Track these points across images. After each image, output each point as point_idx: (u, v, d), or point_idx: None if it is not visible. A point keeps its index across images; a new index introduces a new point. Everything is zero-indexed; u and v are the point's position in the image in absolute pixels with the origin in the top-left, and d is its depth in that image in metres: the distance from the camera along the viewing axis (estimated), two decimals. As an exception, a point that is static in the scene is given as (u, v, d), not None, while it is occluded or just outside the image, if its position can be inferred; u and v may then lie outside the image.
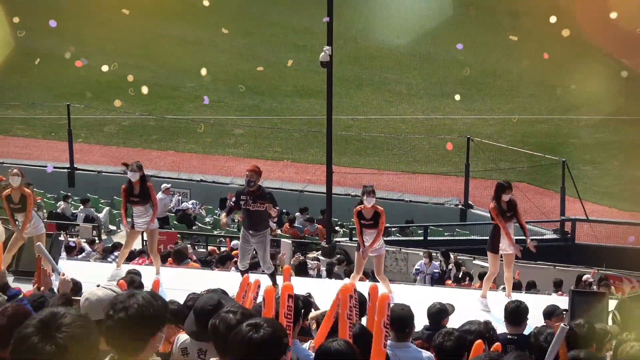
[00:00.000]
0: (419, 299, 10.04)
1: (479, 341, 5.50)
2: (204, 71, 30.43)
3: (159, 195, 25.18)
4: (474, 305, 12.19)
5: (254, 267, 16.18)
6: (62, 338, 3.03)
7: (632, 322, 8.71)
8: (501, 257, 12.25)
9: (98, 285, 4.48)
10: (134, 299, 3.77)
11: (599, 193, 30.05)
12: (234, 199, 12.48)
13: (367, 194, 12.03)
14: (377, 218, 12.15)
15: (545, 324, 8.74)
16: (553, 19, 18.77)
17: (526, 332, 7.63)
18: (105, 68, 22.68)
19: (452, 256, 19.93)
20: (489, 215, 12.54)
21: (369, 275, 17.61)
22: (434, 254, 19.70)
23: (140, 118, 36.92)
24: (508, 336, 7.76)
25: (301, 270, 17.47)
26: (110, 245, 20.38)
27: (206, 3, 24.31)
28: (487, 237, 12.42)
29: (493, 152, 30.66)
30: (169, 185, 26.23)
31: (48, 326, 3.06)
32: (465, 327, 6.82)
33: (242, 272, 12.67)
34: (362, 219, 12.17)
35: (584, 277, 17.14)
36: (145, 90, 25.48)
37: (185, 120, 36.60)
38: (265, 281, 10.76)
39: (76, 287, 8.02)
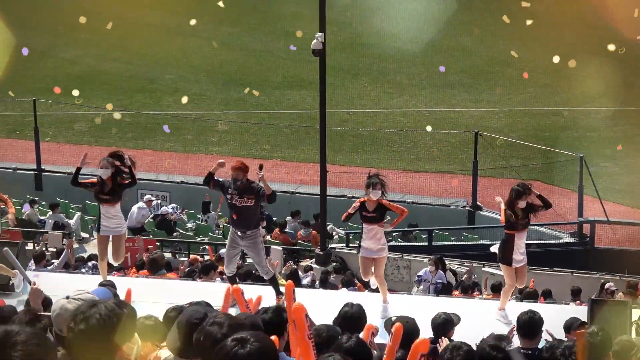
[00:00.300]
0: (421, 310, 10.05)
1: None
2: (184, 99, 30.60)
3: (140, 204, 25.19)
4: (482, 316, 12.16)
5: (249, 275, 16.17)
6: (18, 357, 3.11)
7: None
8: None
9: (67, 297, 4.48)
10: (95, 308, 3.82)
11: (620, 192, 30.06)
12: (221, 179, 12.21)
13: (372, 187, 11.87)
14: (382, 211, 12.01)
15: (565, 338, 8.76)
16: (556, 59, 19.08)
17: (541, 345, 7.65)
18: (76, 92, 23.04)
19: (447, 264, 19.91)
20: (499, 217, 12.53)
21: (368, 286, 17.61)
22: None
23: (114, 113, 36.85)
24: (521, 350, 7.75)
25: (293, 279, 17.46)
26: (85, 255, 20.35)
27: (193, 22, 24.68)
28: (498, 242, 12.39)
29: (503, 147, 30.68)
30: (153, 199, 26.22)
31: (3, 345, 3.14)
32: (491, 341, 6.79)
33: (230, 278, 12.47)
34: (364, 210, 12.02)
35: (607, 285, 17.18)
36: (117, 115, 25.75)
37: (163, 116, 36.54)
38: (266, 292, 10.67)
39: (45, 302, 8.01)
